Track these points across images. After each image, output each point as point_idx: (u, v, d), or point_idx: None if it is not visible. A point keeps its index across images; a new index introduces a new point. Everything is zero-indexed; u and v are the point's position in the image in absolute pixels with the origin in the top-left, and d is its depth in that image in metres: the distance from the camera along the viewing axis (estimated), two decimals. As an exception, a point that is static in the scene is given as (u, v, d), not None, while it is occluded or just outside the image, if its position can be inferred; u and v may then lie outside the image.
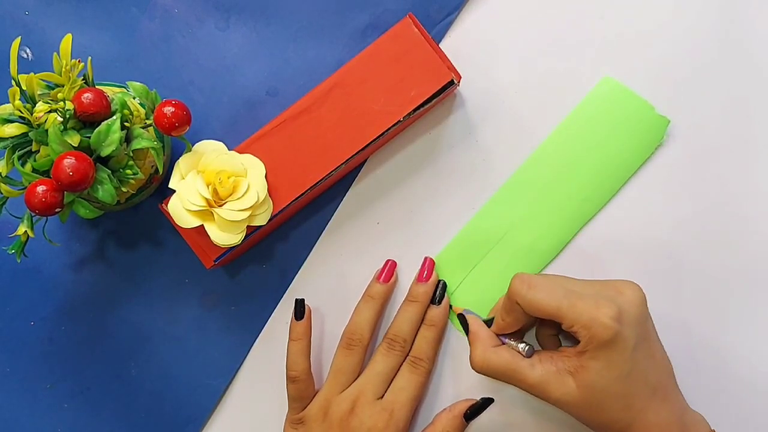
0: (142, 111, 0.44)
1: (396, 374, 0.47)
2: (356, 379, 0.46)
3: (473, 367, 0.43)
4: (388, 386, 0.46)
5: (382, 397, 0.46)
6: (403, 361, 0.47)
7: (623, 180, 0.49)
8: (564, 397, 0.40)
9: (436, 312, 0.47)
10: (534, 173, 0.49)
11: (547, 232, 0.49)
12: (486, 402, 0.46)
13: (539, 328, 0.46)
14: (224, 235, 0.43)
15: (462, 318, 0.46)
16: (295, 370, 0.46)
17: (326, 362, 0.50)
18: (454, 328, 0.49)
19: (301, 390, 0.46)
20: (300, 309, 0.48)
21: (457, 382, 0.49)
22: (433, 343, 0.47)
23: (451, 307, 0.49)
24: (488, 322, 0.45)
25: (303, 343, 0.47)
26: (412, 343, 0.47)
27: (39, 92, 0.41)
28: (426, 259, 0.49)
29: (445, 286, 0.48)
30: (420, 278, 0.48)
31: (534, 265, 0.49)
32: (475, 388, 0.49)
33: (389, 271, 0.48)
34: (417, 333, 0.47)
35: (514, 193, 0.49)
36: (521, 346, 0.43)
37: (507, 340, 0.44)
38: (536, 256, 0.49)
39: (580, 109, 0.49)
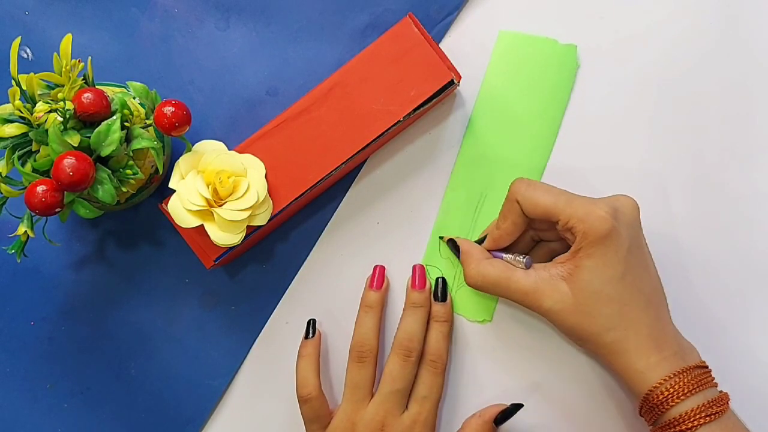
0: (142, 111, 0.44)
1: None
2: (372, 389, 0.46)
3: (468, 282, 0.44)
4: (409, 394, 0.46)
5: (406, 406, 0.46)
6: (417, 364, 0.46)
7: (560, 117, 0.49)
8: (557, 305, 0.41)
9: (443, 308, 0.47)
10: (477, 145, 0.49)
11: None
12: (516, 407, 0.46)
13: (535, 249, 0.47)
14: (224, 235, 0.43)
15: (452, 242, 0.47)
16: (305, 387, 0.46)
17: (328, 364, 0.50)
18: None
19: (316, 409, 0.46)
20: (311, 329, 0.48)
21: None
22: (447, 339, 0.47)
23: (441, 238, 0.49)
24: (479, 243, 0.47)
25: (312, 359, 0.47)
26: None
27: (39, 92, 0.41)
28: (415, 267, 0.49)
29: (445, 282, 0.48)
30: (414, 286, 0.48)
31: None
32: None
33: (380, 277, 0.48)
34: (425, 335, 0.47)
35: (468, 171, 0.49)
36: (520, 257, 0.43)
37: (504, 255, 0.45)
38: None
39: (491, 70, 0.50)
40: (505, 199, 0.44)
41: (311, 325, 0.49)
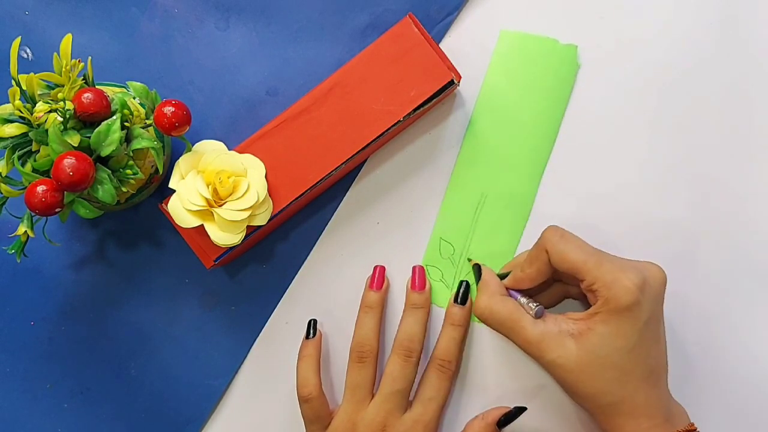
0: (142, 111, 0.44)
1: (417, 379, 0.46)
2: (373, 390, 0.46)
3: (475, 312, 0.44)
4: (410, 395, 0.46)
5: (408, 406, 0.46)
6: (417, 364, 0.46)
7: (560, 117, 0.49)
8: (559, 360, 0.40)
9: (461, 312, 0.47)
10: (477, 145, 0.49)
11: (514, 195, 0.49)
12: (519, 410, 0.46)
13: (551, 289, 0.47)
14: (224, 235, 0.43)
15: (477, 267, 0.47)
16: (306, 387, 0.46)
17: (329, 364, 0.50)
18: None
19: (316, 408, 0.46)
20: (312, 329, 0.48)
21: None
22: (460, 343, 0.47)
23: (469, 260, 0.49)
24: (501, 277, 0.46)
25: (312, 360, 0.47)
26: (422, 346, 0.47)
27: (39, 92, 0.41)
28: (415, 268, 0.49)
29: (468, 286, 0.48)
30: (413, 287, 0.48)
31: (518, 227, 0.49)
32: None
33: (380, 277, 0.48)
34: (426, 336, 0.47)
35: (468, 171, 0.49)
36: (533, 305, 0.43)
37: (519, 297, 0.44)
38: (515, 220, 0.49)
39: (492, 69, 0.50)
40: (535, 243, 0.44)
41: (311, 325, 0.48)
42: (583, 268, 0.41)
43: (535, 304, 0.43)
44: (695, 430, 0.41)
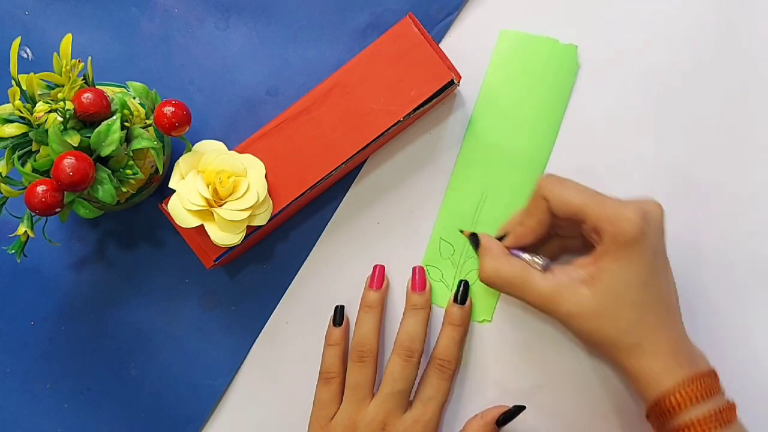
0: (142, 111, 0.44)
1: (418, 379, 0.46)
2: (373, 389, 0.46)
3: (482, 276, 0.43)
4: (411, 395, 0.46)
5: (408, 406, 0.46)
6: (418, 365, 0.46)
7: (560, 117, 0.49)
8: (575, 308, 0.40)
9: (461, 312, 0.47)
10: (478, 145, 0.49)
11: (514, 194, 0.49)
12: (518, 409, 0.46)
13: (548, 244, 0.46)
14: (224, 235, 0.43)
15: (473, 236, 0.46)
16: (332, 372, 0.46)
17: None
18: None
19: (334, 393, 0.46)
20: (339, 316, 0.48)
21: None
22: (460, 343, 0.47)
23: (462, 231, 0.48)
24: (499, 240, 0.45)
25: (341, 348, 0.47)
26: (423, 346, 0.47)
27: (39, 92, 0.41)
28: (415, 269, 0.49)
29: (467, 285, 0.48)
30: (414, 288, 0.48)
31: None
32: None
33: (379, 276, 0.48)
34: (426, 336, 0.47)
35: (468, 171, 0.49)
36: (538, 259, 0.42)
37: (523, 254, 0.43)
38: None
39: (492, 69, 0.50)
40: (531, 195, 0.43)
41: (339, 311, 0.48)
42: (584, 209, 0.40)
43: (540, 258, 0.42)
44: (717, 374, 0.40)
